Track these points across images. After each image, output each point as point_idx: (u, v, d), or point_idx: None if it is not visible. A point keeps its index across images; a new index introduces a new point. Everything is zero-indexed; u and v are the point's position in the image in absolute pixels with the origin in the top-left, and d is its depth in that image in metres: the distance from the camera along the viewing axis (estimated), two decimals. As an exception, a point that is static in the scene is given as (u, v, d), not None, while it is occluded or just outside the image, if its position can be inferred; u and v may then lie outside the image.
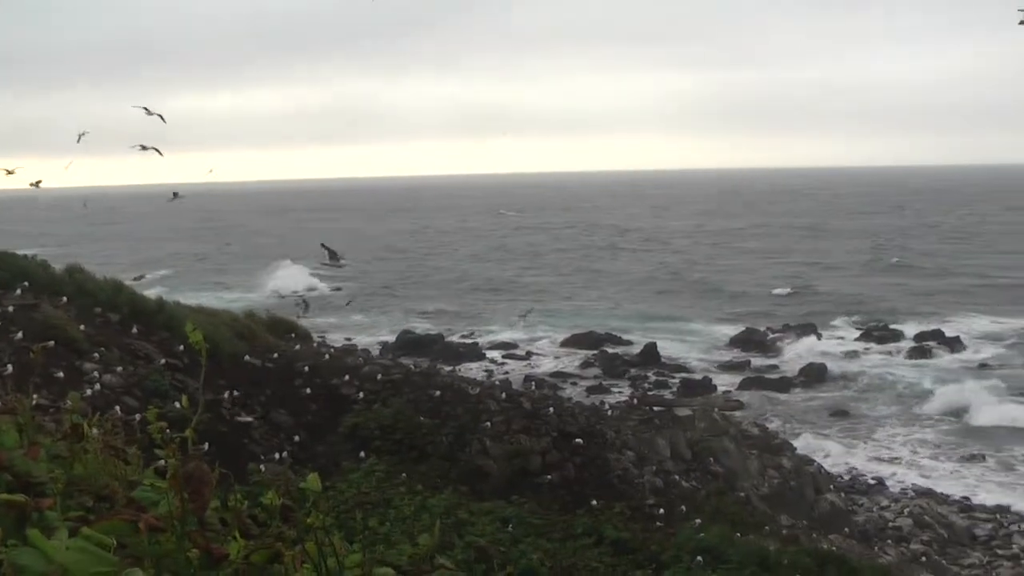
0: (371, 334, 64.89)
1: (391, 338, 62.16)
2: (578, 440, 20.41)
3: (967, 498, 34.41)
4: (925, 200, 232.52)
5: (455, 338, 63.14)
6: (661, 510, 19.20)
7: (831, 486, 31.53)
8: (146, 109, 19.04)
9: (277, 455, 17.42)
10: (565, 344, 61.88)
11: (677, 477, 22.48)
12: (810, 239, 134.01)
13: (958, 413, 44.84)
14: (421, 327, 66.72)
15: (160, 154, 19.81)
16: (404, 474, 16.13)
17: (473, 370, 51.61)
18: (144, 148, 19.77)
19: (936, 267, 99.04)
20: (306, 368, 20.79)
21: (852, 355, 58.07)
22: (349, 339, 55.00)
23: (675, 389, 48.74)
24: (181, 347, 19.91)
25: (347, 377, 20.66)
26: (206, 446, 15.57)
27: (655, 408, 27.67)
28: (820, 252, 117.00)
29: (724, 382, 51.54)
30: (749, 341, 62.05)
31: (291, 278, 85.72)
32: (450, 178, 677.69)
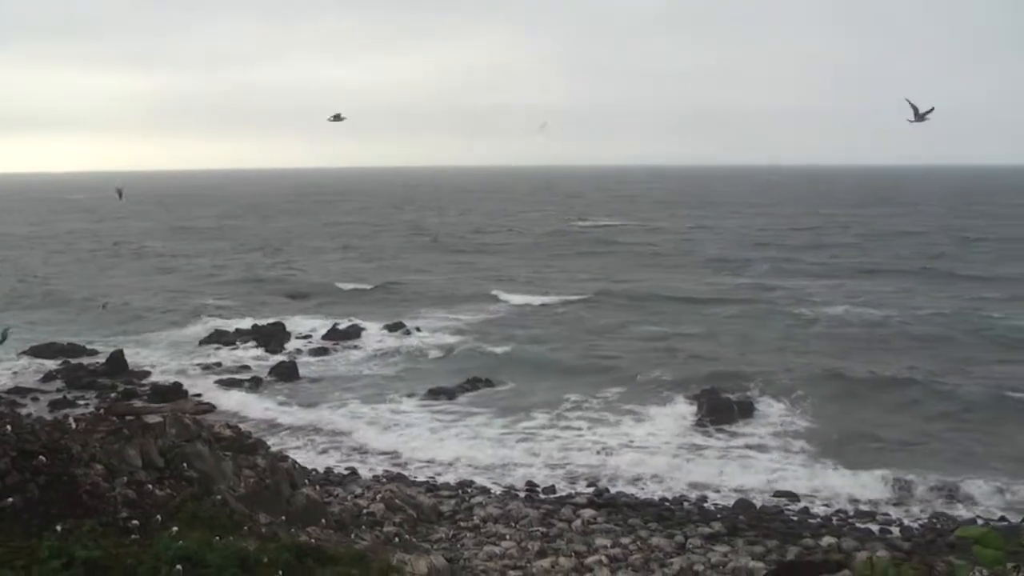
0: None
1: None
2: (41, 457, 19.14)
3: (433, 478, 36.62)
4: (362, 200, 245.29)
5: None
6: (136, 522, 18.52)
7: (306, 480, 32.05)
8: None
9: None
10: (22, 356, 58.04)
11: (151, 486, 21.71)
12: (216, 240, 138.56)
13: (423, 399, 47.56)
14: None
15: None
16: None
17: (-86, 392, 47.07)
18: None
19: (387, 266, 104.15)
20: None
21: (322, 352, 59.55)
22: None
23: (145, 397, 47.35)
24: None
25: None
26: None
27: (125, 417, 26.58)
28: (237, 251, 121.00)
29: (196, 386, 50.83)
30: (220, 342, 61.77)
31: None
32: None
